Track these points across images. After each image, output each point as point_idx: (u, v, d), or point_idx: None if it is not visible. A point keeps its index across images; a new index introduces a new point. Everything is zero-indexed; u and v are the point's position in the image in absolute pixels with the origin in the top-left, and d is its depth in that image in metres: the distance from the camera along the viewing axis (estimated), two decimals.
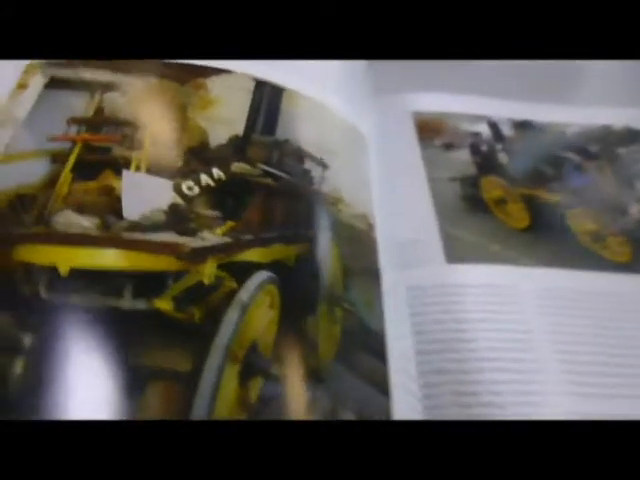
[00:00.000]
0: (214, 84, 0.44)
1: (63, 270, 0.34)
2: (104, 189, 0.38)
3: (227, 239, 0.36)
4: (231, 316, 0.32)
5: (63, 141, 0.41)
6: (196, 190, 0.38)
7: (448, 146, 0.70)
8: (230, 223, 0.37)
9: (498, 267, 0.55)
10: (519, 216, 0.62)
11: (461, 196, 0.64)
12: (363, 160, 0.48)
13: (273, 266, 0.36)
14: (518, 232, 0.60)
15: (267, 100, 0.45)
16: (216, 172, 0.39)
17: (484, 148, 0.70)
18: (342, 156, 0.45)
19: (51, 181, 0.39)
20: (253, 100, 0.45)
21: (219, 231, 0.36)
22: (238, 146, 0.41)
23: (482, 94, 0.74)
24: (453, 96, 0.74)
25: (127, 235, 0.35)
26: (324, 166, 0.43)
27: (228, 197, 0.38)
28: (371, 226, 0.43)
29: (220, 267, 0.35)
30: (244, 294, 0.33)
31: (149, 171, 0.39)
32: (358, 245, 0.41)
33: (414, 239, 0.56)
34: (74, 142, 0.41)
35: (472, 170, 0.67)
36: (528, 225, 0.61)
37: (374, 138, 0.50)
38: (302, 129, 0.44)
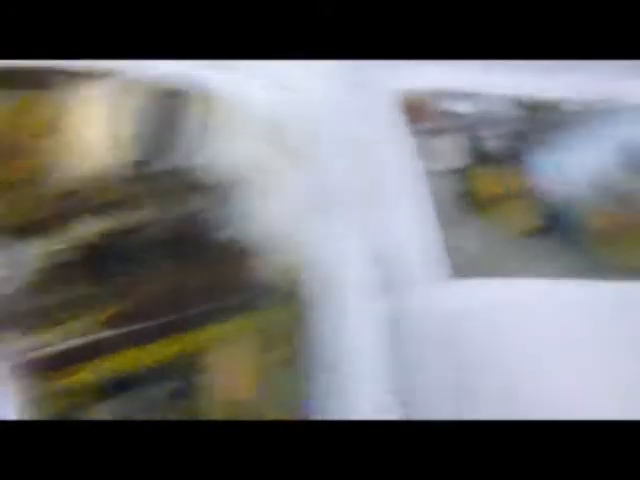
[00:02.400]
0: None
1: None
2: None
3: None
4: None
5: None
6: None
7: (433, 132, 0.59)
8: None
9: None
10: (523, 217, 0.53)
11: (454, 193, 0.55)
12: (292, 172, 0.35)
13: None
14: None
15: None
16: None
17: (471, 133, 0.59)
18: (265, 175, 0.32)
19: None
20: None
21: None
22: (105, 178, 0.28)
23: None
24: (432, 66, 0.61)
25: None
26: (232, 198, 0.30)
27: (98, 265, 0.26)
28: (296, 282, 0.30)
29: None
30: None
31: None
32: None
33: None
34: None
35: (461, 161, 0.57)
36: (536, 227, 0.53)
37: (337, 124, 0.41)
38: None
